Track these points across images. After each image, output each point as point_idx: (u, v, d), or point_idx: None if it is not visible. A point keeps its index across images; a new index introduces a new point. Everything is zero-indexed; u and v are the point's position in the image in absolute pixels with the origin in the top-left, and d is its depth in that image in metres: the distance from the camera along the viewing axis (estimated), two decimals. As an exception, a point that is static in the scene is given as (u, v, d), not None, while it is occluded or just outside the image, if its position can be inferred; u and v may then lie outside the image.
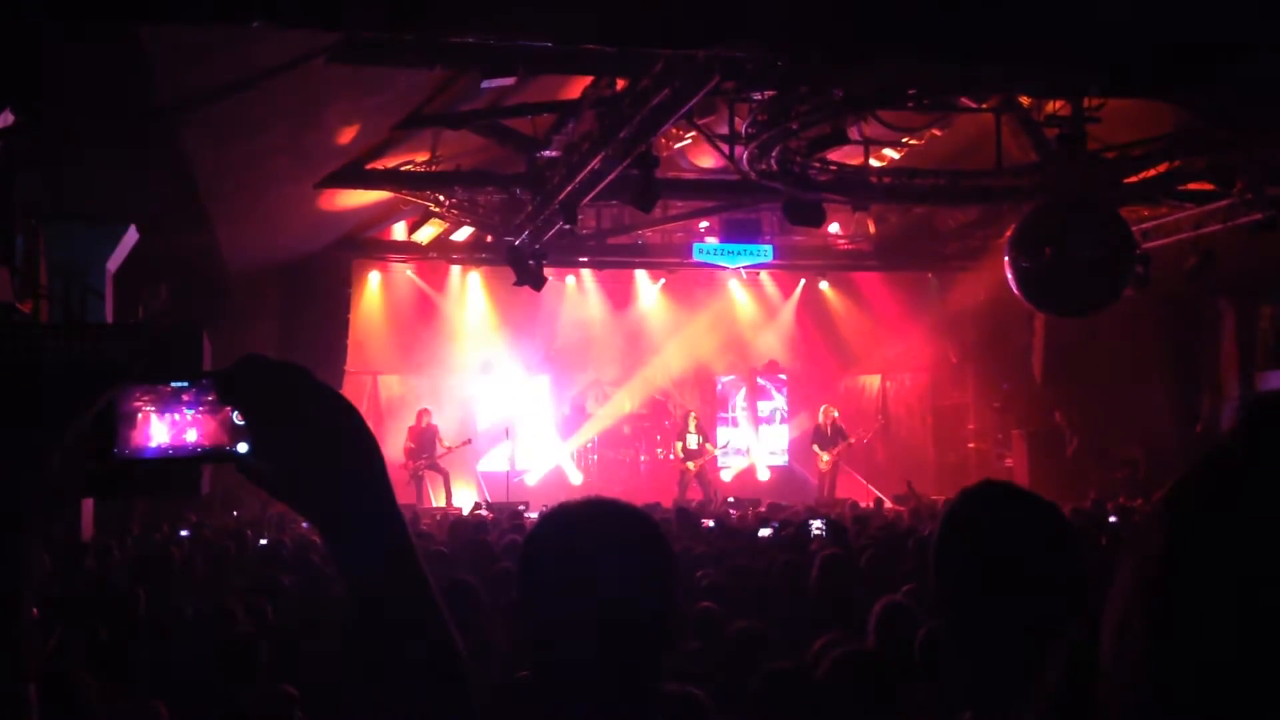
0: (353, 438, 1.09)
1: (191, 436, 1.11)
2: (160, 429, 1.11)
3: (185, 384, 1.12)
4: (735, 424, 19.69)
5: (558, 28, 7.03)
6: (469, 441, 17.24)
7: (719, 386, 19.81)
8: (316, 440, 1.07)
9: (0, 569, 1.02)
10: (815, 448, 17.35)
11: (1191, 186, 12.91)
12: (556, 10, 6.81)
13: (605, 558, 1.42)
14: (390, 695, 1.09)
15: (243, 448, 1.10)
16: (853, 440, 17.40)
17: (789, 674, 2.97)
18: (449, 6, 6.85)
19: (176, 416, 1.11)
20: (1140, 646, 0.52)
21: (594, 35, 7.39)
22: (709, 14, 6.95)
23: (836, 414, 17.64)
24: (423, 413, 16.83)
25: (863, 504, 15.88)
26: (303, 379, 1.08)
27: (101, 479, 1.16)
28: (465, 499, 16.71)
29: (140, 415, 1.11)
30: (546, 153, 12.79)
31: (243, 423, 1.09)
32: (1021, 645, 1.53)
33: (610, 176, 11.45)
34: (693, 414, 17.72)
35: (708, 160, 14.41)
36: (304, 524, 10.80)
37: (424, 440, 16.54)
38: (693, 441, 17.19)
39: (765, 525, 9.43)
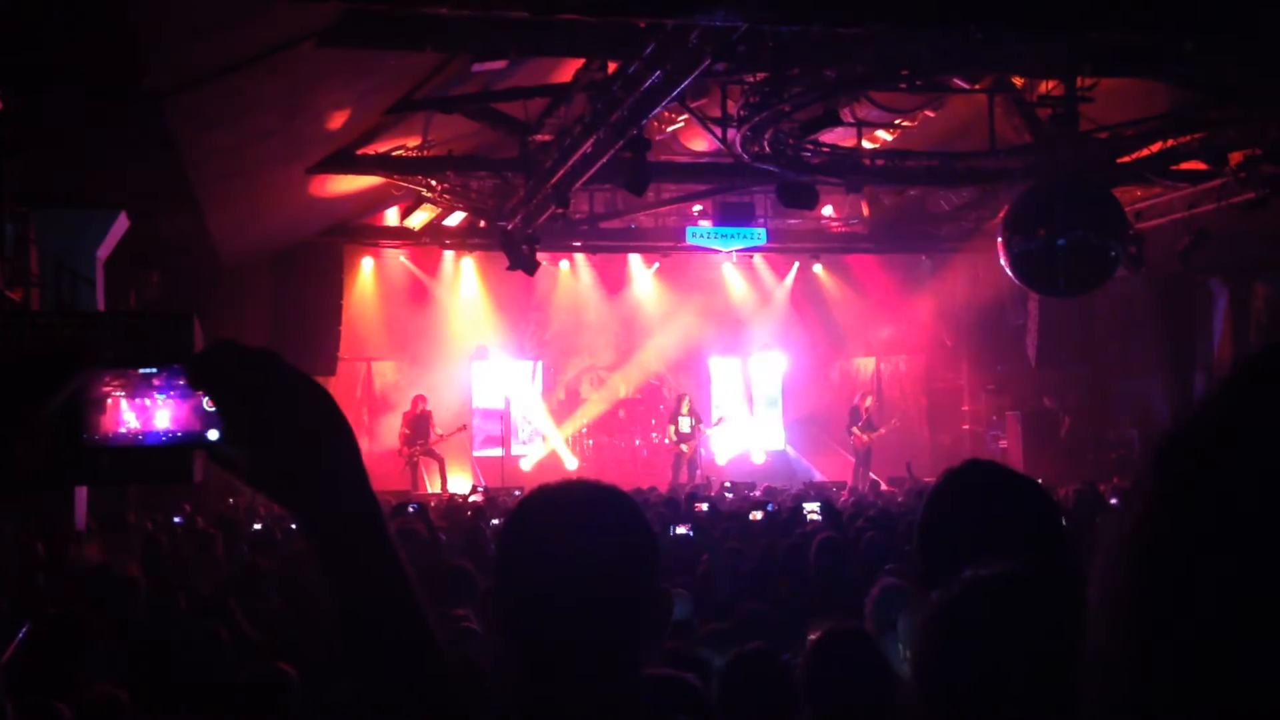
0: (325, 423, 1.08)
1: (162, 423, 1.09)
2: (130, 415, 1.09)
3: (155, 370, 1.10)
4: (732, 407, 19.70)
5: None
6: (464, 428, 17.26)
7: (714, 371, 19.82)
8: (288, 426, 1.06)
9: None
10: (855, 429, 17.44)
11: (1185, 166, 12.90)
12: None
13: (583, 539, 1.40)
14: (366, 678, 1.08)
15: (214, 434, 1.08)
16: (883, 431, 17.51)
17: (760, 656, 2.96)
18: None
19: (147, 402, 1.09)
20: (1124, 605, 0.51)
21: (572, 4, 7.31)
22: None
23: (870, 401, 17.79)
24: (417, 399, 16.84)
25: (851, 484, 15.97)
26: (275, 364, 1.06)
27: (75, 466, 1.14)
28: (458, 485, 16.73)
29: (110, 401, 1.09)
30: (538, 137, 12.75)
31: (214, 409, 1.07)
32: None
33: (602, 160, 11.40)
34: (686, 397, 17.74)
35: (700, 143, 14.37)
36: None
37: (419, 426, 16.55)
38: (686, 425, 17.22)
39: (756, 509, 9.44)
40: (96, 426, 1.09)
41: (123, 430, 1.09)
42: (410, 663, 1.08)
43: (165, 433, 1.09)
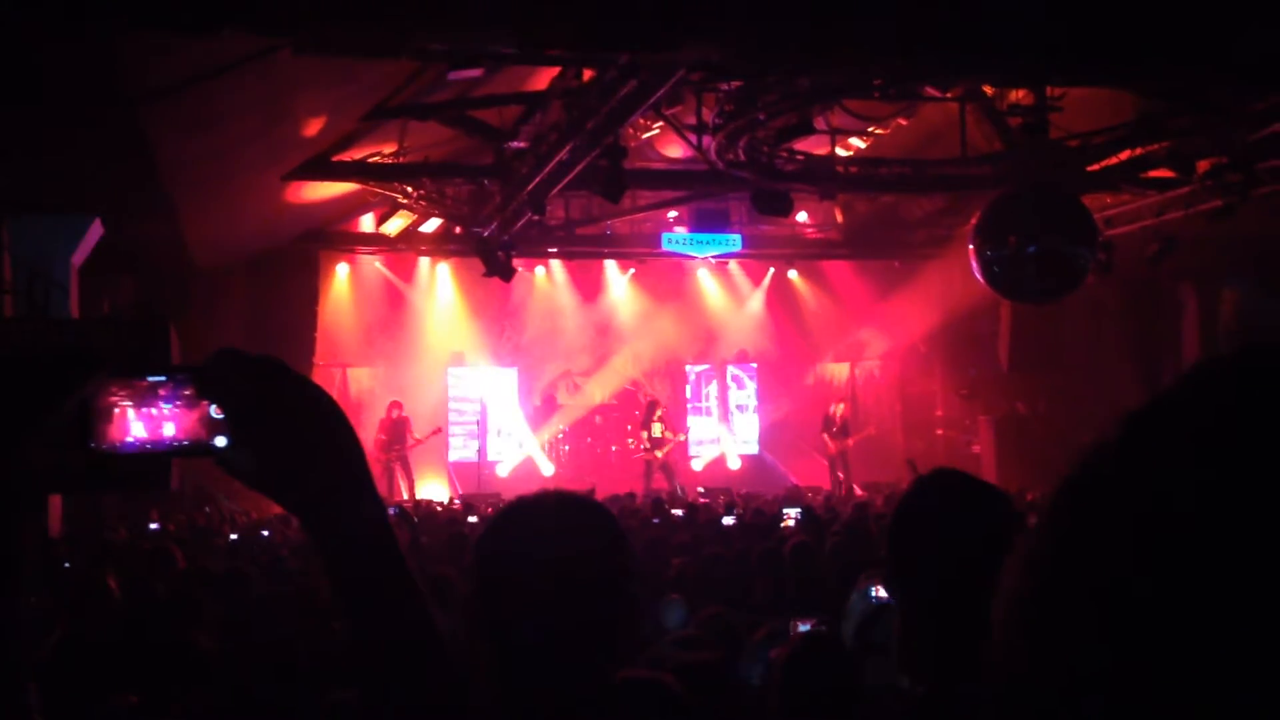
0: (332, 428, 1.11)
1: (169, 431, 1.11)
2: (137, 424, 1.11)
3: (162, 378, 1.12)
4: (708, 413, 19.78)
5: (520, 33, 6.99)
6: (439, 430, 17.25)
7: (690, 376, 19.88)
8: (297, 432, 1.09)
9: None
10: (826, 436, 17.55)
11: (1153, 174, 13.07)
12: (518, 15, 6.76)
13: (557, 546, 1.46)
14: (375, 681, 1.11)
15: (220, 441, 1.10)
16: (851, 442, 17.57)
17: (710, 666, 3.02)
18: (413, 12, 6.81)
19: (153, 411, 1.11)
20: (1013, 638, 0.56)
21: (557, 40, 7.36)
22: (671, 17, 6.90)
23: (843, 409, 17.85)
24: (393, 405, 16.79)
25: (827, 489, 16.07)
26: (281, 371, 1.10)
27: (72, 473, 1.16)
28: (434, 491, 16.72)
29: (117, 410, 1.11)
30: (514, 144, 12.78)
31: (221, 416, 1.09)
32: (972, 627, 1.58)
33: (578, 167, 11.45)
34: (657, 404, 17.76)
35: (676, 150, 14.43)
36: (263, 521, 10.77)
37: (395, 433, 16.51)
38: (657, 430, 17.24)
39: (728, 513, 9.53)
40: (104, 434, 1.11)
41: (129, 439, 1.11)
42: (420, 664, 1.12)
43: (171, 441, 1.12)
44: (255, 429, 1.09)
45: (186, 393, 1.11)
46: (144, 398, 1.11)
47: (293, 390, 1.10)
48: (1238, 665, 0.49)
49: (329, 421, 1.11)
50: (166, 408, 1.11)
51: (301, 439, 1.09)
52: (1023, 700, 0.55)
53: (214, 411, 1.10)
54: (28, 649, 1.04)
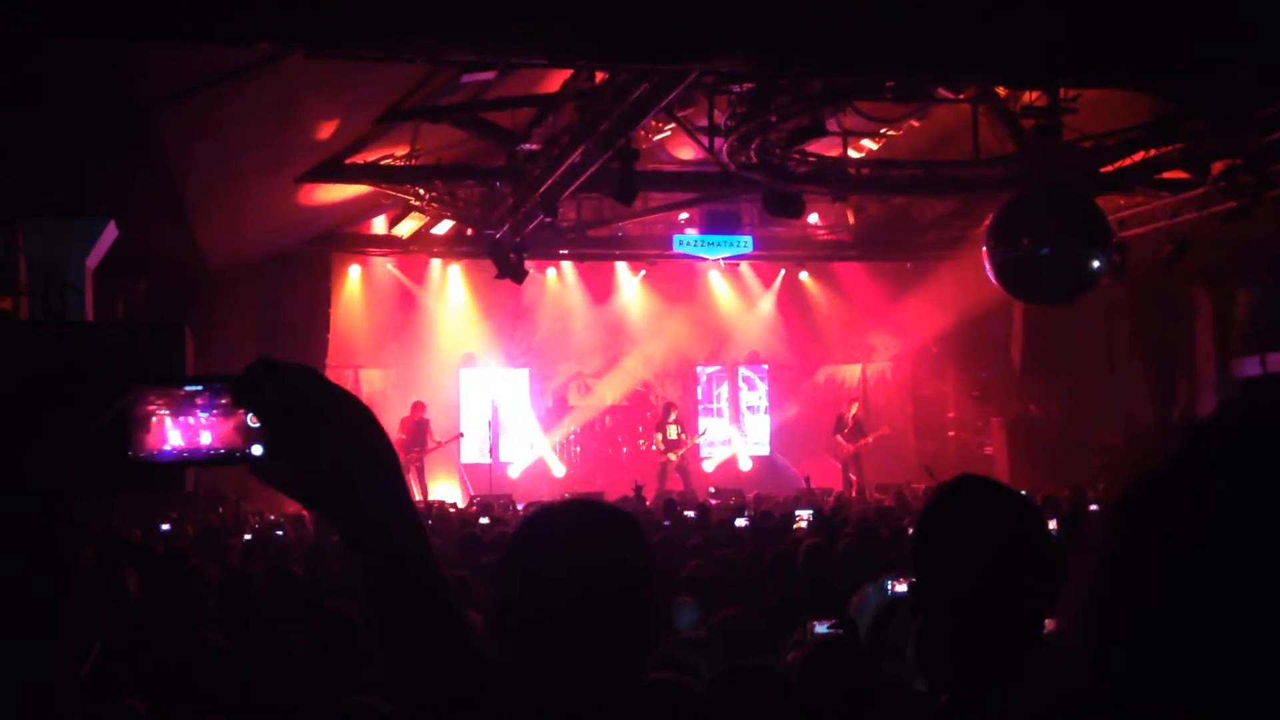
0: (369, 437, 1.12)
1: (206, 439, 1.13)
2: (174, 432, 1.12)
3: (199, 387, 1.13)
4: (720, 414, 19.78)
5: (547, 47, 7.02)
6: (460, 436, 17.26)
7: (701, 378, 19.88)
8: (333, 440, 1.10)
9: (41, 573, 1.04)
10: (839, 437, 17.52)
11: (1167, 175, 13.03)
12: (545, 30, 6.78)
13: (588, 555, 1.48)
14: (410, 685, 1.12)
15: (256, 450, 1.11)
16: (870, 439, 17.51)
17: (760, 671, 3.04)
18: (441, 27, 6.83)
19: (191, 420, 1.12)
20: (1083, 642, 0.57)
21: (585, 52, 7.38)
22: (695, 29, 6.91)
23: (856, 409, 17.81)
24: (417, 405, 16.70)
25: (839, 490, 16.06)
26: (318, 380, 1.11)
27: (88, 476, 1.17)
28: (445, 492, 16.73)
29: (155, 419, 1.12)
30: (526, 146, 12.80)
31: (257, 425, 1.11)
32: (997, 635, 1.59)
33: (590, 170, 11.47)
34: (672, 406, 17.78)
35: (687, 152, 14.44)
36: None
37: (416, 434, 16.47)
38: (673, 432, 17.26)
39: (740, 515, 9.55)
40: (142, 443, 1.12)
41: (167, 447, 1.13)
42: (452, 666, 1.13)
43: (209, 449, 1.13)
44: (292, 437, 1.10)
45: (223, 401, 1.13)
46: (181, 406, 1.12)
47: (329, 399, 1.11)
48: (1242, 674, 0.50)
49: (364, 430, 1.12)
50: (203, 416, 1.12)
51: (337, 447, 1.10)
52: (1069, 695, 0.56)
53: (250, 420, 1.11)
54: (78, 655, 1.04)
